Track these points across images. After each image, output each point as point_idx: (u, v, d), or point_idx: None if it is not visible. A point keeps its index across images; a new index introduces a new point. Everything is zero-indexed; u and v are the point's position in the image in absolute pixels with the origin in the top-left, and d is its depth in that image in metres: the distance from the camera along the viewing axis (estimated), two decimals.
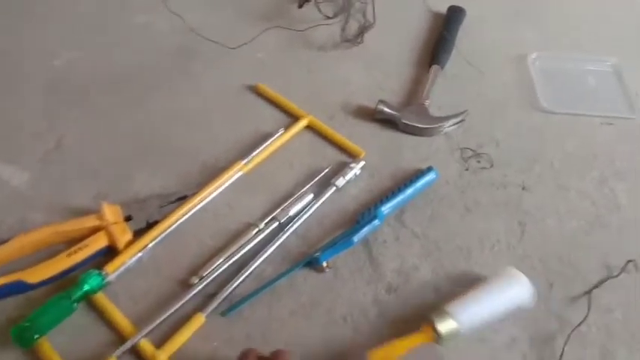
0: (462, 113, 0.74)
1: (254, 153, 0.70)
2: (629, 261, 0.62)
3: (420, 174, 0.68)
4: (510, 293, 0.55)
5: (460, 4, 0.93)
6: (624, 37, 0.94)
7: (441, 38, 0.86)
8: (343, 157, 0.72)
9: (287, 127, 0.74)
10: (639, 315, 0.59)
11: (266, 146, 0.71)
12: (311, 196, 0.66)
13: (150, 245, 0.61)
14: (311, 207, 0.65)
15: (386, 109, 0.75)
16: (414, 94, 0.80)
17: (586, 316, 0.57)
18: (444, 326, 0.51)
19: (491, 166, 0.72)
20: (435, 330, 0.51)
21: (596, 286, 0.60)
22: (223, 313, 0.56)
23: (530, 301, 0.56)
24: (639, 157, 0.74)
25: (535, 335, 0.57)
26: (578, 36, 0.93)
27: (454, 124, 0.74)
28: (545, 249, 0.64)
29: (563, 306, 0.59)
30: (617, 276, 0.61)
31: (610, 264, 0.62)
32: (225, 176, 0.67)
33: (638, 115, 0.79)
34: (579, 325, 0.57)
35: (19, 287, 0.56)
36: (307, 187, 0.67)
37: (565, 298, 0.59)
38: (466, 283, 0.59)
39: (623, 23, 0.97)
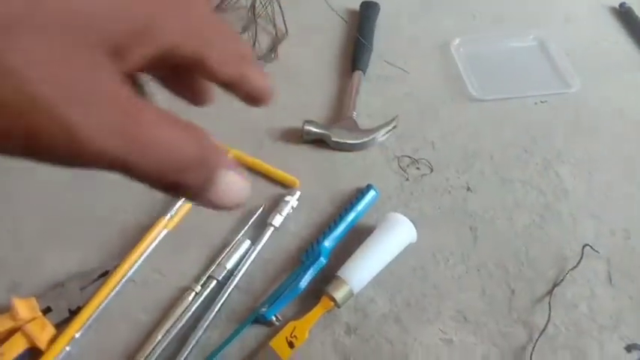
0: (392, 120, 0.70)
1: (177, 205, 0.63)
2: (585, 245, 0.60)
3: (359, 196, 0.63)
4: (395, 239, 0.58)
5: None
6: (543, 4, 0.92)
7: (357, 40, 0.81)
8: (277, 190, 0.66)
9: None
10: (603, 304, 0.57)
11: None
12: (248, 242, 0.60)
13: (77, 336, 0.54)
14: (250, 255, 0.59)
15: (313, 129, 0.69)
16: (341, 105, 0.75)
17: (548, 320, 0.55)
18: (339, 293, 0.54)
19: (432, 170, 0.68)
20: (331, 298, 0.54)
21: (557, 284, 0.58)
22: None
23: (414, 237, 0.59)
24: (577, 132, 0.72)
25: (506, 349, 0.54)
26: (498, 12, 0.90)
27: (386, 133, 0.69)
28: (501, 252, 0.61)
29: (528, 311, 0.56)
30: (576, 267, 0.59)
31: (568, 255, 0.60)
32: (149, 238, 0.61)
33: (571, 87, 0.77)
34: (544, 330, 0.54)
35: None
36: (241, 233, 0.61)
37: (530, 302, 0.57)
38: (428, 308, 0.56)
39: None
